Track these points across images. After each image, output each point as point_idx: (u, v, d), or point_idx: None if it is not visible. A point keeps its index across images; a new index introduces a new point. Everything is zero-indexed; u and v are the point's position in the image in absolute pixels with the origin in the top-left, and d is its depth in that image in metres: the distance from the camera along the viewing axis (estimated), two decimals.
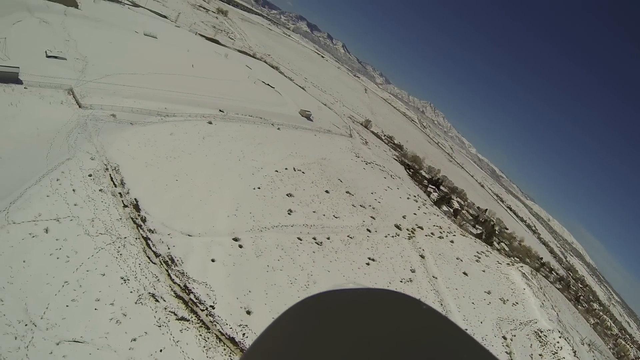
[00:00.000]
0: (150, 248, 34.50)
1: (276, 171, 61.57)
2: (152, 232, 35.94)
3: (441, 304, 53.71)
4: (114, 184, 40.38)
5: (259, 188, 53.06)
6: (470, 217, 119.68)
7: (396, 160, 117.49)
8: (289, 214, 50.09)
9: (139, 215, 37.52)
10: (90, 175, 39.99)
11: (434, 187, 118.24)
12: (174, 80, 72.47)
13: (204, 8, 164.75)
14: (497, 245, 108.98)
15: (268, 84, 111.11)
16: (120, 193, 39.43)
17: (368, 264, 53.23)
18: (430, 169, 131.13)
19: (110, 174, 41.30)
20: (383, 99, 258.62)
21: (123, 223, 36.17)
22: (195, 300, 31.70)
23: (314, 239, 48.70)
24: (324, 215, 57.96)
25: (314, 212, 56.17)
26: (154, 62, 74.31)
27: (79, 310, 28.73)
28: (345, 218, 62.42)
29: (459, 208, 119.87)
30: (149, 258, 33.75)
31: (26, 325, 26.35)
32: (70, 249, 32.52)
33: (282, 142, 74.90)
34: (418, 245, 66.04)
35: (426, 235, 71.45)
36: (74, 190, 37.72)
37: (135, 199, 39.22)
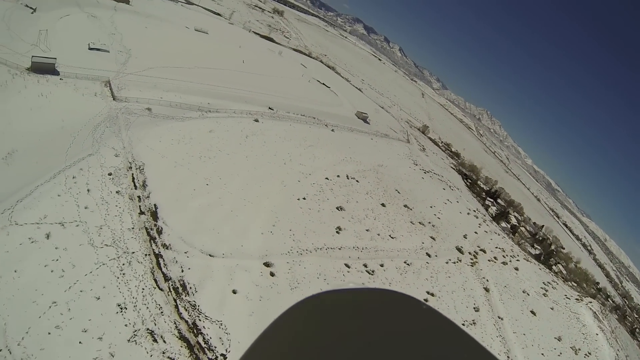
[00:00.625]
0: (160, 269, 27.47)
1: (326, 179, 52.82)
2: (167, 248, 28.98)
3: (508, 356, 41.30)
4: (134, 185, 34.56)
5: (304, 199, 44.62)
6: (528, 235, 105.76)
7: (453, 169, 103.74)
8: (337, 232, 40.87)
9: (155, 225, 30.94)
10: (110, 174, 34.63)
11: (491, 199, 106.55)
12: (221, 76, 67.75)
13: (260, 8, 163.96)
14: (554, 267, 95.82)
15: (323, 84, 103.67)
16: (139, 197, 33.38)
17: (427, 299, 41.89)
18: (487, 179, 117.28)
19: (132, 174, 35.66)
20: (440, 105, 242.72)
21: (135, 234, 29.75)
22: (204, 345, 23.77)
23: (365, 266, 38.82)
24: (378, 234, 47.74)
25: (367, 230, 46.26)
26: (202, 57, 70.47)
27: (61, 340, 22.65)
28: (403, 238, 51.56)
29: (517, 224, 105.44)
30: (156, 282, 26.66)
31: (0, 350, 20.90)
32: (68, 262, 26.77)
33: (335, 145, 66.18)
34: (481, 274, 54.15)
35: (489, 260, 58.97)
36: (88, 190, 32.42)
37: (154, 205, 32.87)
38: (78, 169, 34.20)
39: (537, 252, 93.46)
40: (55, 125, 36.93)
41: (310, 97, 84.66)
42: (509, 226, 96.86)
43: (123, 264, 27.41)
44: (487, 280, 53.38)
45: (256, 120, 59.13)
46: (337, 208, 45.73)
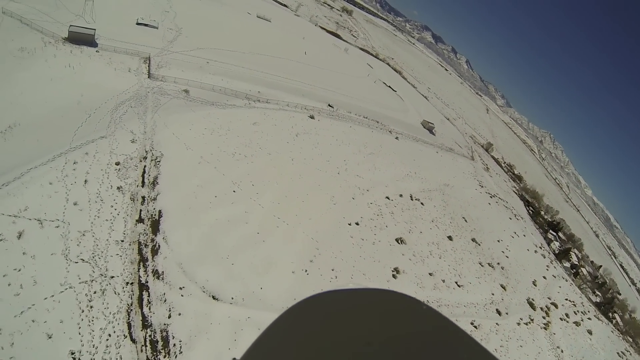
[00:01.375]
0: (140, 307, 19.07)
1: (387, 198, 42.32)
2: (158, 277, 20.65)
3: None
4: (142, 181, 27.17)
5: (357, 224, 34.48)
6: (588, 278, 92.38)
7: (516, 193, 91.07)
8: (394, 276, 30.06)
9: (152, 240, 22.91)
10: (117, 164, 27.67)
11: (553, 233, 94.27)
12: (279, 64, 60.31)
13: (329, 5, 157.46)
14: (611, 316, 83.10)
15: (390, 87, 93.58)
16: (143, 197, 25.79)
17: None
18: (549, 208, 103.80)
19: (144, 166, 28.38)
20: (504, 122, 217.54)
21: (122, 249, 21.93)
22: None
23: None
24: (443, 281, 35.84)
25: (430, 274, 34.67)
26: (260, 43, 63.70)
27: None
28: (471, 287, 39.28)
29: (577, 263, 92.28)
30: (129, 327, 18.31)
31: None
32: (31, 275, 19.91)
33: (399, 156, 55.64)
34: (555, 341, 43.23)
35: (561, 319, 48.86)
36: (85, 181, 25.62)
37: (159, 212, 25.00)
38: (83, 153, 27.75)
39: (598, 299, 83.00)
40: (72, 99, 31.17)
41: (374, 98, 74.99)
42: (569, 265, 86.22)
43: (94, 292, 19.54)
44: (562, 351, 42.29)
45: (311, 117, 50.39)
46: (397, 240, 34.74)
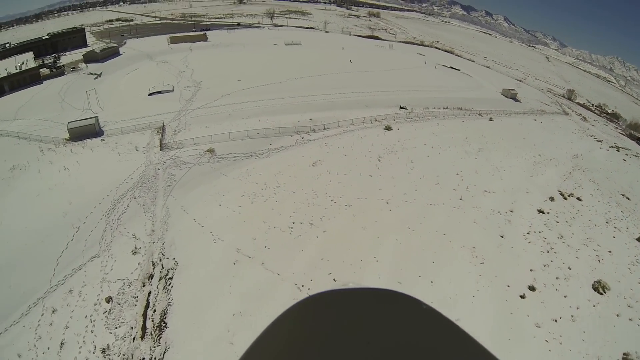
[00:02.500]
0: None
1: (540, 212, 26.13)
2: None
3: None
4: (143, 326, 15.35)
5: (531, 289, 18.50)
6: None
7: (623, 135, 74.80)
8: None
9: None
10: (108, 301, 16.65)
11: None
12: (324, 81, 49.29)
13: (354, 15, 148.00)
14: None
15: (451, 67, 78.46)
16: None
17: None
18: None
19: (148, 294, 16.85)
20: (569, 64, 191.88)
21: None
22: None
23: None
24: None
25: None
26: (297, 67, 53.67)
27: None
28: None
29: None
30: None
31: None
32: None
33: (509, 141, 40.71)
34: None
35: None
36: (62, 344, 15.05)
37: None
38: (66, 291, 17.70)
39: None
40: (58, 212, 22.12)
41: (443, 84, 60.04)
42: None
43: None
44: None
45: (388, 128, 37.12)
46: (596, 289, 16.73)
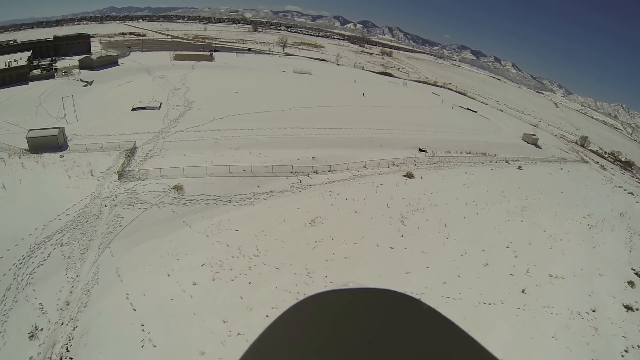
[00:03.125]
0: None
1: (628, 309, 19.27)
2: None
3: None
4: None
5: None
6: None
7: None
8: None
9: None
10: None
11: None
12: (332, 114, 44.23)
13: (367, 52, 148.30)
14: None
15: (468, 109, 74.45)
16: None
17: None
18: None
19: None
20: (576, 111, 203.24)
21: None
22: None
23: None
24: None
25: None
26: (304, 96, 48.95)
27: None
28: None
29: None
30: None
31: None
32: None
33: (549, 196, 35.72)
34: None
35: None
36: None
37: None
38: None
39: None
40: None
41: (462, 126, 55.87)
42: None
43: None
44: None
45: (409, 176, 30.89)
46: None
